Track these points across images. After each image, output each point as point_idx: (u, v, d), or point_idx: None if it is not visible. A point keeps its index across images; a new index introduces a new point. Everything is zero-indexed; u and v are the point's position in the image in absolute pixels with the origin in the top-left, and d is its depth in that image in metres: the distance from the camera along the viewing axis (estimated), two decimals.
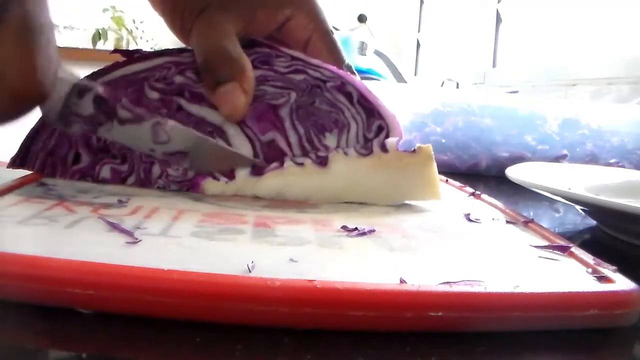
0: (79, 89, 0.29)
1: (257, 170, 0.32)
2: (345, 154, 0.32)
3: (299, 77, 0.33)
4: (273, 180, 0.32)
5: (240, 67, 0.32)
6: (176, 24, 0.35)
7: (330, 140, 0.33)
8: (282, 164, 0.32)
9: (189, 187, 0.31)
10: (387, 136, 0.33)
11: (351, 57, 1.33)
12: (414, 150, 0.32)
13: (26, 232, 0.21)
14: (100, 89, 0.30)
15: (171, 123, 0.30)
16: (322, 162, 0.32)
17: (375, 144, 0.32)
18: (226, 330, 0.17)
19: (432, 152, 0.32)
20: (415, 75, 2.31)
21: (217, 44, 0.32)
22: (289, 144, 0.33)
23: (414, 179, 0.32)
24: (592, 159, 0.65)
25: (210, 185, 0.31)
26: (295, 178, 0.32)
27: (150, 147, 0.31)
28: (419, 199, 0.33)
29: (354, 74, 0.35)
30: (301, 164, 0.32)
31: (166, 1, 0.36)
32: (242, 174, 0.31)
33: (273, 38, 0.35)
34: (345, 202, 0.32)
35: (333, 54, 0.36)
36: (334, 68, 0.33)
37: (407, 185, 0.32)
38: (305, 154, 0.33)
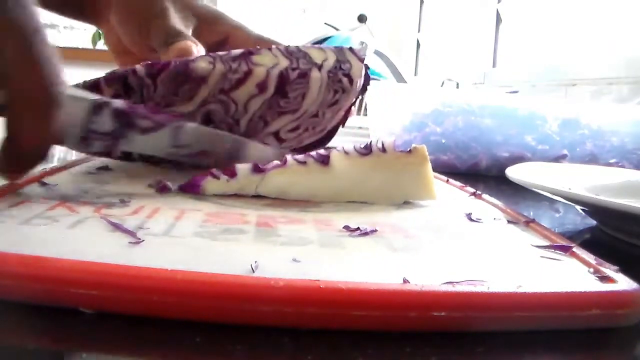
0: (95, 106, 0.29)
1: (259, 168, 0.31)
2: (346, 152, 0.32)
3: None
4: (276, 179, 0.31)
5: (190, 37, 0.38)
6: (134, 31, 0.41)
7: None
8: (284, 162, 0.32)
9: (187, 188, 0.31)
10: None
11: None
12: (410, 151, 0.33)
13: (28, 232, 0.21)
14: (118, 103, 0.29)
15: (191, 125, 0.30)
16: (324, 160, 0.32)
17: (374, 144, 0.32)
18: (226, 330, 0.17)
19: (427, 153, 0.33)
20: (415, 75, 2.31)
21: (174, 27, 0.39)
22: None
23: (411, 179, 0.33)
24: (592, 159, 0.65)
25: (210, 184, 0.31)
26: (298, 176, 0.32)
27: (169, 151, 0.31)
28: (416, 199, 0.33)
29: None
30: (304, 162, 0.32)
31: (123, 12, 0.41)
32: (244, 172, 0.31)
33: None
34: (347, 202, 0.32)
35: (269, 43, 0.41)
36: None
37: (405, 185, 0.33)
38: None
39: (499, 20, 1.73)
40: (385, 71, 1.37)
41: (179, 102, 0.34)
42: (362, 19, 1.56)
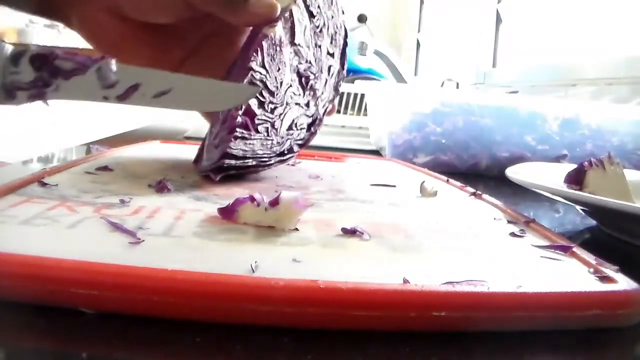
0: (12, 56, 0.27)
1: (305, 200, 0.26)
2: None
3: None
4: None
5: None
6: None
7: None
8: None
9: (224, 213, 0.26)
10: None
11: (351, 57, 1.32)
12: None
13: (28, 232, 0.21)
14: (34, 48, 0.28)
15: (114, 62, 0.29)
16: None
17: None
18: (226, 330, 0.17)
19: None
20: (415, 75, 2.30)
21: None
22: None
23: None
24: None
25: (246, 211, 0.26)
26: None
27: (102, 95, 0.29)
28: None
29: None
30: None
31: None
32: (286, 201, 0.25)
33: None
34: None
35: None
36: None
37: None
38: None
39: (499, 20, 1.73)
40: (385, 71, 1.37)
41: None
42: (362, 19, 1.56)
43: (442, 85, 1.48)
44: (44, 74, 0.28)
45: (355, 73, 1.23)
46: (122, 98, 0.29)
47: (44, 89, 0.28)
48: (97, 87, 0.29)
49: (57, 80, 0.28)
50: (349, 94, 0.98)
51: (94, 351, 0.15)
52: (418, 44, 2.41)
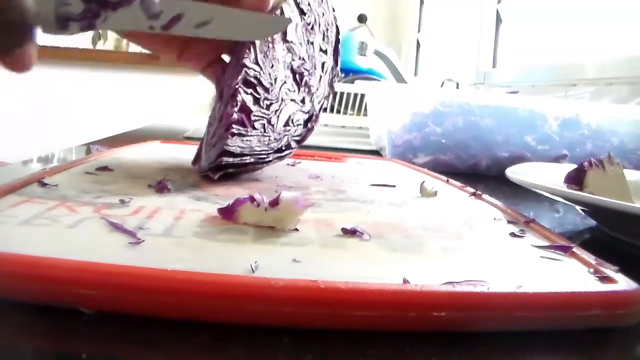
0: None
1: (305, 200, 0.26)
2: None
3: None
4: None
5: None
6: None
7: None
8: None
9: (224, 214, 0.26)
10: None
11: (351, 57, 1.31)
12: None
13: (28, 232, 0.21)
14: None
15: None
16: None
17: None
18: (226, 330, 0.17)
19: None
20: (415, 75, 2.30)
21: None
22: None
23: None
24: None
25: (246, 212, 0.26)
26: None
27: (148, 25, 0.31)
28: None
29: None
30: None
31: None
32: (287, 202, 0.25)
33: None
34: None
35: None
36: None
37: None
38: None
39: (499, 20, 1.73)
40: (385, 71, 1.37)
41: None
42: (362, 19, 1.56)
43: (442, 85, 1.48)
44: (92, 6, 0.30)
45: (355, 73, 1.23)
46: (167, 27, 0.31)
47: (93, 20, 0.30)
48: (142, 17, 0.31)
49: (105, 12, 0.30)
50: (349, 94, 0.98)
51: (93, 351, 0.15)
52: (418, 44, 2.41)
